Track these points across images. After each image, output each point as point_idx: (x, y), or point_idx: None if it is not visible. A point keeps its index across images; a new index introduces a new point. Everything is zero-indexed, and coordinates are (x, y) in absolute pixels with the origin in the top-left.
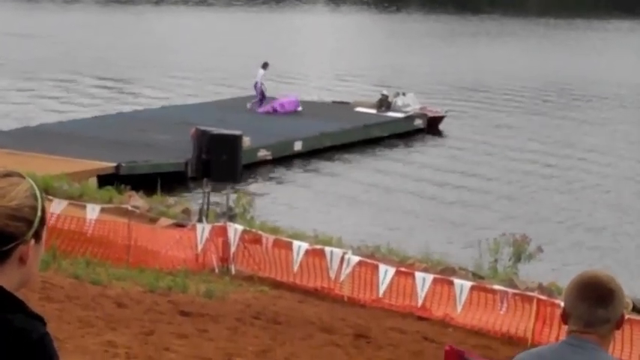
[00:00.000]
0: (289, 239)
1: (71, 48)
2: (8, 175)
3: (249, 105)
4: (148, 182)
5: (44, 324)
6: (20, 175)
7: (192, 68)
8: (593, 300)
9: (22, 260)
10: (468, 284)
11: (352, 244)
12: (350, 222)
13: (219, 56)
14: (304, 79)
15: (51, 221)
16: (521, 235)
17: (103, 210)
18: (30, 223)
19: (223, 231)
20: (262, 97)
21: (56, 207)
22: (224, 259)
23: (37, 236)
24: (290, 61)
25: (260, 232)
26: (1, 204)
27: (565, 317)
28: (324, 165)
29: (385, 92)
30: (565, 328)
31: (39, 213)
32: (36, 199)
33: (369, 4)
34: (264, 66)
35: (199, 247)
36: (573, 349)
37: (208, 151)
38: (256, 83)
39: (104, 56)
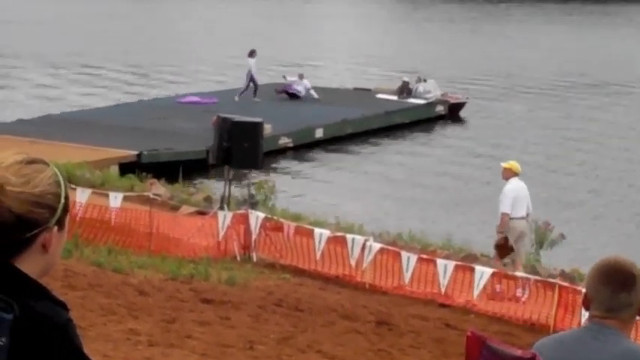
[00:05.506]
0: (311, 227)
1: (93, 37)
2: (32, 161)
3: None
4: (169, 170)
5: (67, 310)
6: (44, 162)
7: (214, 56)
8: (616, 284)
9: (45, 247)
10: (490, 271)
11: (374, 232)
12: (371, 209)
13: (241, 44)
14: (325, 65)
15: (73, 209)
16: (543, 221)
17: (125, 198)
18: (53, 210)
19: (245, 218)
20: (255, 86)
21: (79, 195)
22: (246, 247)
23: (59, 223)
24: (311, 49)
25: (281, 219)
26: (25, 190)
27: (587, 302)
28: (346, 152)
29: (406, 78)
30: (587, 315)
31: (62, 200)
32: (59, 186)
33: None
34: (252, 54)
35: (221, 235)
36: (594, 334)
37: (230, 139)
38: (250, 73)
39: (126, 45)
